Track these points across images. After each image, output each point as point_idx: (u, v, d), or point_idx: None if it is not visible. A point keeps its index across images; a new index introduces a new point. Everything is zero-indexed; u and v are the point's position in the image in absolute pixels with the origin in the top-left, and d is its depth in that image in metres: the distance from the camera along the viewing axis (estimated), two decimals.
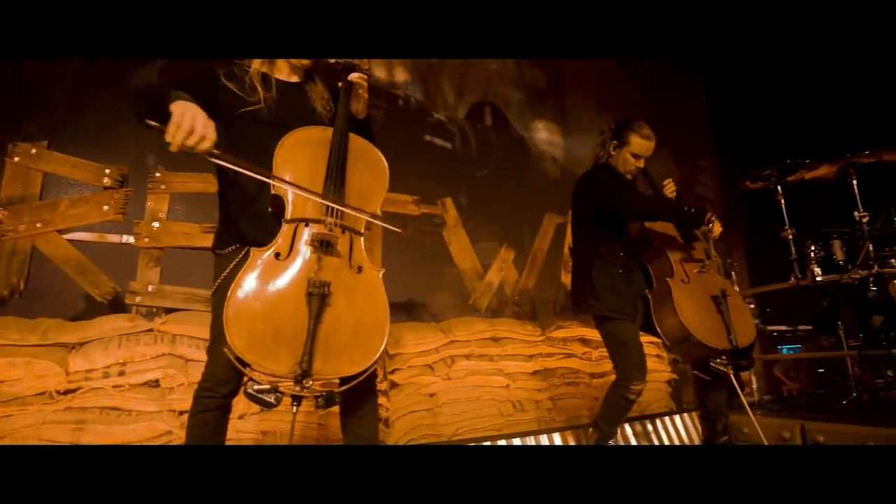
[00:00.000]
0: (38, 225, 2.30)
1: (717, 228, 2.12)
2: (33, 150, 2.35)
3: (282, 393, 1.24)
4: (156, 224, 2.51)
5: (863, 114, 4.33)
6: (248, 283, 1.28)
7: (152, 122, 1.16)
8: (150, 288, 2.43)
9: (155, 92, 1.27)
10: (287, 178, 1.38)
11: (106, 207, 2.44)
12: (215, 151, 1.23)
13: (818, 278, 3.07)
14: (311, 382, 1.25)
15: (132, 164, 2.53)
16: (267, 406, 1.25)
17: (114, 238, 2.48)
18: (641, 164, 2.30)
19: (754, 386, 3.59)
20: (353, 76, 1.55)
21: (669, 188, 2.45)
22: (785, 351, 4.33)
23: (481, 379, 2.83)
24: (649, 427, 3.01)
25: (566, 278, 3.68)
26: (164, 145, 1.17)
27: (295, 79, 1.63)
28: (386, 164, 1.57)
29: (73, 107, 2.53)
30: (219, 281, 1.45)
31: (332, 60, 1.59)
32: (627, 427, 2.91)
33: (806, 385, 4.08)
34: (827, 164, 3.15)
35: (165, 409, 2.05)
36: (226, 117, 1.45)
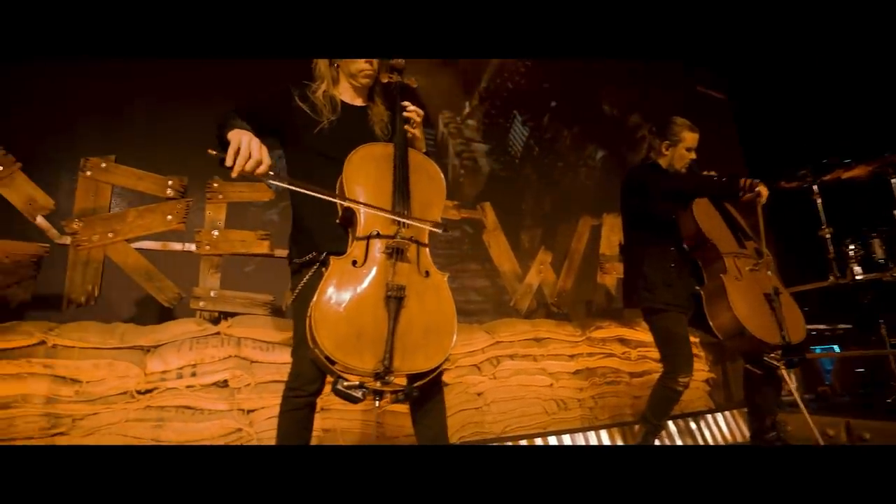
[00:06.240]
0: (109, 235, 2.43)
1: (763, 192, 2.08)
2: (103, 164, 2.48)
3: (367, 389, 1.33)
4: (215, 232, 2.62)
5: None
6: (331, 288, 1.38)
7: (212, 151, 1.29)
8: (211, 293, 2.54)
9: (219, 122, 1.39)
10: (357, 193, 1.48)
11: (169, 217, 2.56)
12: (271, 174, 1.35)
13: (858, 277, 3.08)
14: (392, 378, 1.34)
15: (191, 175, 2.65)
16: (354, 401, 1.34)
17: (176, 246, 2.61)
18: (694, 155, 2.35)
19: (793, 385, 3.59)
20: (410, 111, 1.64)
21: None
22: (818, 351, 4.28)
23: (526, 378, 2.89)
24: (692, 425, 3.04)
25: (602, 279, 3.72)
26: (227, 170, 1.29)
27: (359, 102, 1.74)
28: (442, 175, 1.67)
29: (134, 120, 2.70)
30: (299, 288, 1.54)
31: (385, 80, 1.70)
32: (671, 424, 2.95)
33: (845, 385, 4.06)
34: (864, 163, 3.17)
35: (235, 408, 2.16)
36: (298, 136, 1.60)
